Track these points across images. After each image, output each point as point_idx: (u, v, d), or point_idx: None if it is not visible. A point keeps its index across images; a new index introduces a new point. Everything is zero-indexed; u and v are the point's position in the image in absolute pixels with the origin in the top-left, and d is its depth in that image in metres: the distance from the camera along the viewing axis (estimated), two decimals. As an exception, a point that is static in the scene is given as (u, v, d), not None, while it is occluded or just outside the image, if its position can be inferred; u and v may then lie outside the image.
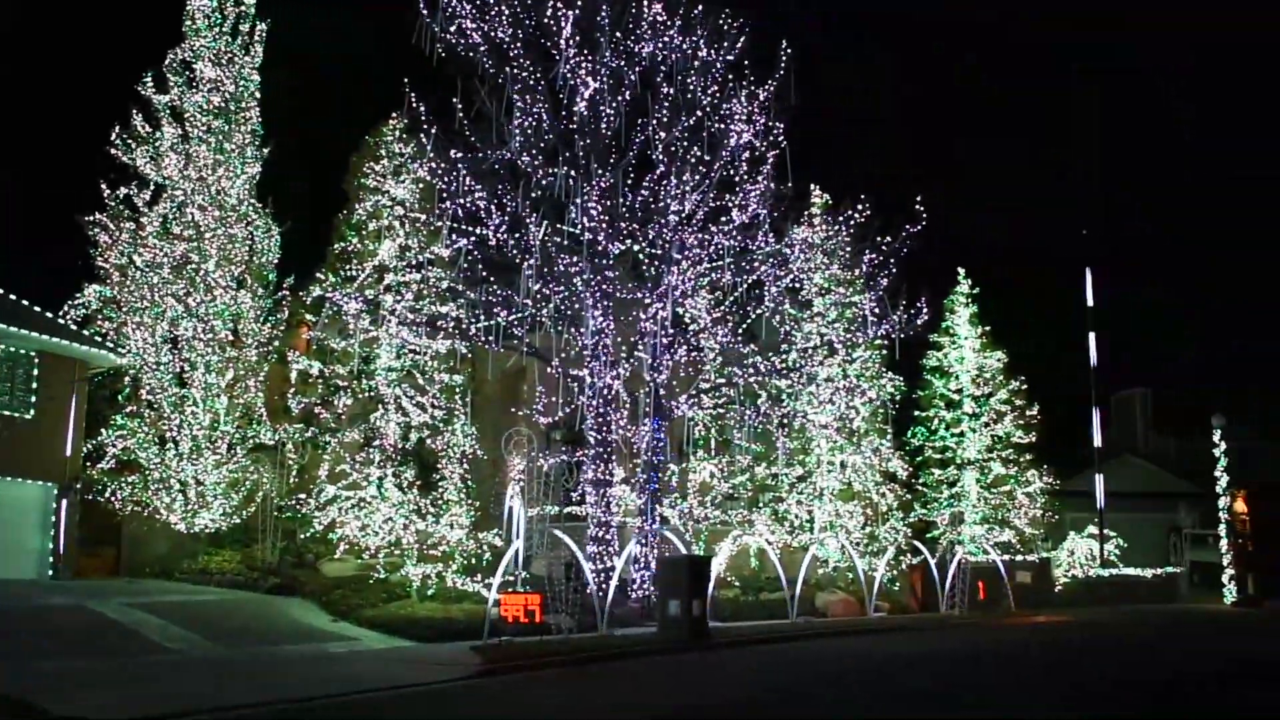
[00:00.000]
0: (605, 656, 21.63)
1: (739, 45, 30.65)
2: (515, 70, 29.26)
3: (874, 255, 32.08)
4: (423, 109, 28.25)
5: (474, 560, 29.16)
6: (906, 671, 19.99)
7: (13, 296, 30.44)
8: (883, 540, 37.86)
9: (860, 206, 32.49)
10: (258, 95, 34.10)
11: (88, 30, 66.85)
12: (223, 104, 33.21)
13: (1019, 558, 41.64)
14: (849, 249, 36.01)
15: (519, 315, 29.70)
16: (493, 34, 29.30)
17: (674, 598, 24.69)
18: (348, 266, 31.03)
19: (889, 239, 31.62)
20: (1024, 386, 44.59)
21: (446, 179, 28.91)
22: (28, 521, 29.76)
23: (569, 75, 29.50)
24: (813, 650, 24.23)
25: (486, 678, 18.55)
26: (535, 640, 21.85)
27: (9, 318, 29.30)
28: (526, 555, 28.30)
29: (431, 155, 28.72)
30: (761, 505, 36.58)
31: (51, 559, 30.11)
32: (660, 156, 30.25)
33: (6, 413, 29.28)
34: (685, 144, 30.28)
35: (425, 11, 28.60)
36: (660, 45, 30.18)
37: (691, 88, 30.41)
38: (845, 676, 19.12)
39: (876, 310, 32.86)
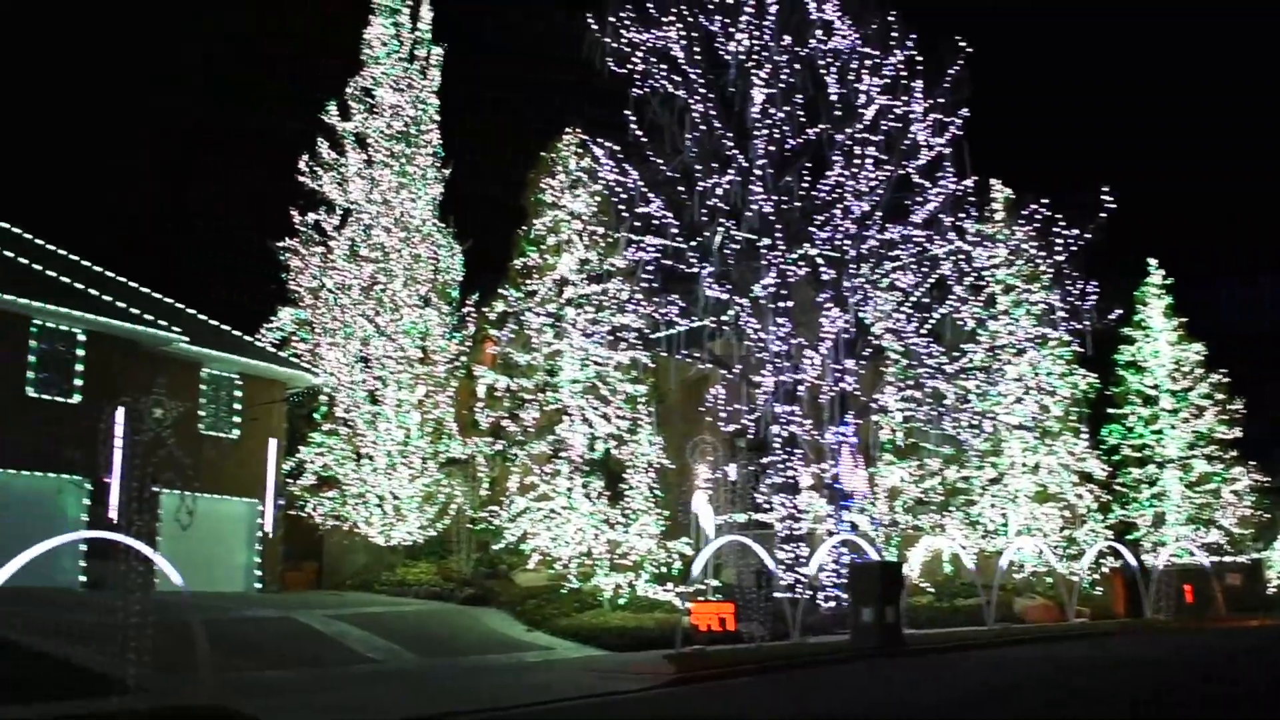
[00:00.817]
0: (798, 664, 21.43)
1: (911, 41, 30.14)
2: (686, 79, 29.31)
3: (1060, 249, 31.16)
4: (597, 122, 28.51)
5: (664, 569, 29.21)
6: (1110, 677, 19.27)
7: (214, 322, 31.81)
8: (1082, 543, 36.65)
9: (1044, 199, 31.60)
10: (436, 118, 34.90)
11: (274, 64, 69.48)
12: (403, 128, 34.11)
13: (1228, 559, 39.86)
14: (1034, 243, 35.03)
15: (699, 323, 29.71)
16: (663, 44, 29.40)
17: (866, 605, 24.31)
18: (529, 281, 31.48)
19: (1075, 231, 30.67)
20: (1226, 380, 42.69)
21: (623, 191, 29.10)
22: (235, 537, 30.98)
23: (739, 81, 29.42)
24: (1010, 657, 23.59)
25: (681, 686, 18.53)
26: (728, 649, 21.77)
27: (213, 343, 30.62)
28: (716, 563, 28.23)
29: (607, 168, 28.95)
30: (953, 509, 35.80)
31: (258, 572, 31.31)
32: (836, 157, 29.92)
33: (213, 434, 30.52)
34: (861, 144, 29.88)
35: (596, 26, 28.88)
36: (831, 46, 29.86)
37: (865, 87, 30.01)
38: (1044, 683, 18.52)
39: (1065, 305, 31.89)
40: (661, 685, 18.36)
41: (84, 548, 26.03)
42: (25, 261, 27.38)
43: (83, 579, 26.40)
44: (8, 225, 29.64)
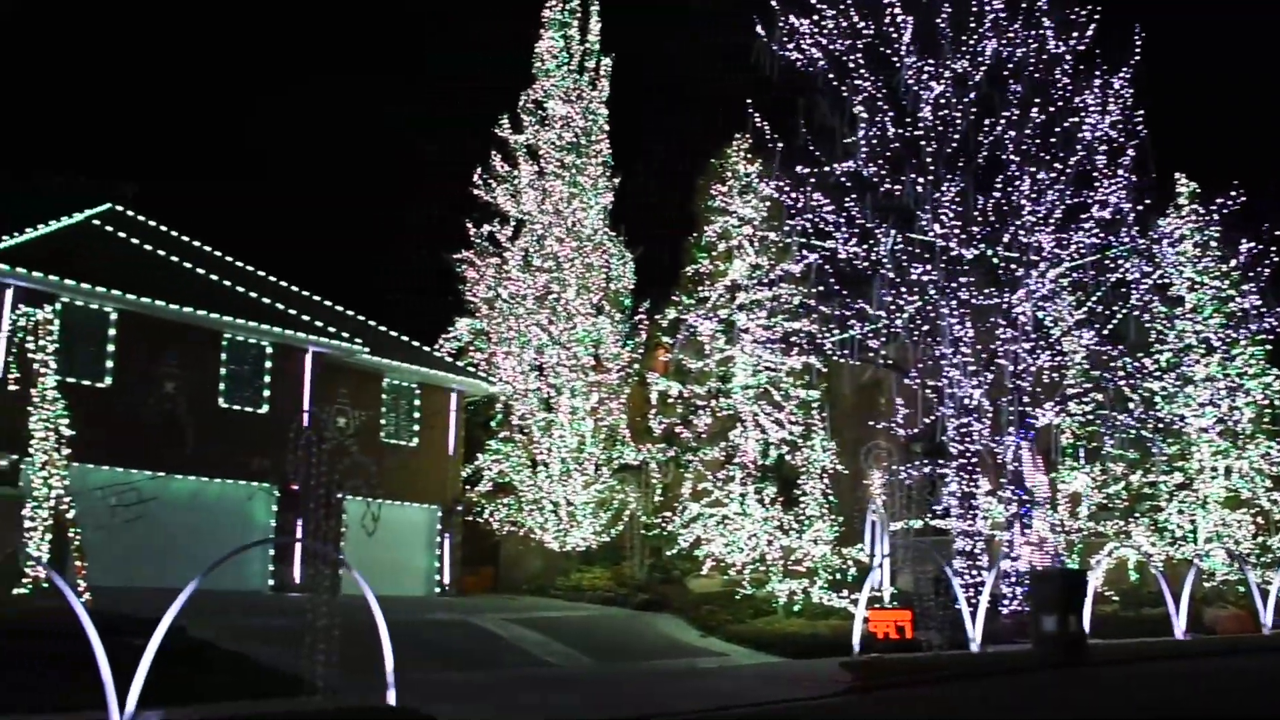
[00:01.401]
0: (978, 674, 20.89)
1: (1088, 34, 29.22)
2: (855, 81, 28.95)
3: (1252, 243, 29.80)
4: (765, 127, 28.37)
5: (838, 575, 28.90)
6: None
7: (394, 334, 32.71)
8: (1277, 551, 34.96)
9: (1233, 191, 30.25)
10: (606, 127, 35.24)
11: (443, 81, 71.05)
12: (574, 139, 34.53)
13: None
14: (1222, 238, 33.55)
15: (872, 327, 29.29)
16: (831, 47, 29.10)
17: (1048, 613, 23.57)
18: (700, 287, 31.54)
19: (1266, 225, 29.32)
20: None
21: (793, 195, 28.89)
22: (416, 542, 31.74)
23: (910, 81, 28.93)
24: (1199, 669, 22.61)
25: (858, 695, 18.24)
26: (905, 657, 21.37)
27: (393, 354, 31.50)
28: (891, 570, 27.80)
29: (777, 173, 28.77)
30: (1138, 515, 34.54)
31: (437, 576, 32.02)
32: (1011, 156, 29.16)
33: (394, 441, 31.34)
34: (1037, 141, 29.06)
35: (762, 32, 28.75)
36: (1004, 42, 29.13)
37: (1040, 82, 29.19)
38: (1238, 697, 17.70)
39: (1259, 302, 30.48)
40: (838, 693, 18.11)
41: (272, 552, 26.98)
42: (215, 278, 28.56)
43: (271, 583, 27.38)
44: (199, 243, 30.93)
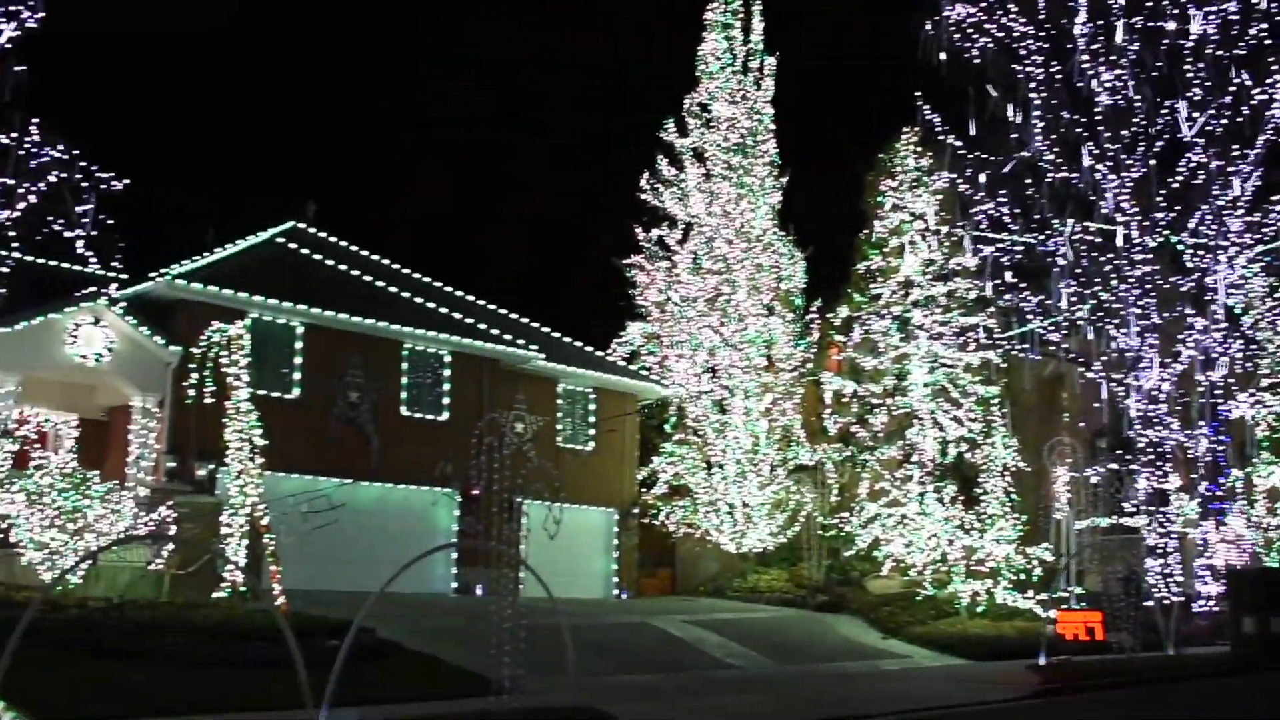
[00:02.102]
0: (1173, 677, 20.15)
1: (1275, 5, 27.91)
2: (1027, 69, 28.24)
3: None
4: (936, 120, 27.88)
5: (1023, 575, 28.17)
6: None
7: (568, 340, 33.14)
8: None
9: None
10: (772, 127, 35.08)
11: (615, 85, 71.76)
12: (740, 140, 34.47)
13: None
14: None
15: (1052, 320, 28.52)
16: (1001, 35, 28.44)
17: (1247, 614, 22.61)
18: (873, 285, 31.18)
19: None
20: None
21: (966, 188, 28.32)
22: (593, 545, 32.04)
23: (1085, 66, 28.09)
24: None
25: (1047, 698, 17.80)
26: (1096, 659, 20.73)
27: (568, 359, 31.92)
28: (1078, 570, 27.00)
29: (949, 165, 28.26)
30: (1343, 509, 32.87)
31: (614, 579, 32.29)
32: (1195, 139, 28.07)
33: (571, 446, 31.73)
34: (1222, 122, 27.91)
35: (931, 23, 28.26)
36: (1183, 21, 28.04)
37: (1224, 61, 28.01)
38: None
39: None
40: (1026, 696, 17.69)
41: (455, 556, 27.56)
42: (394, 290, 29.36)
43: (454, 585, 27.97)
44: (378, 257, 31.81)
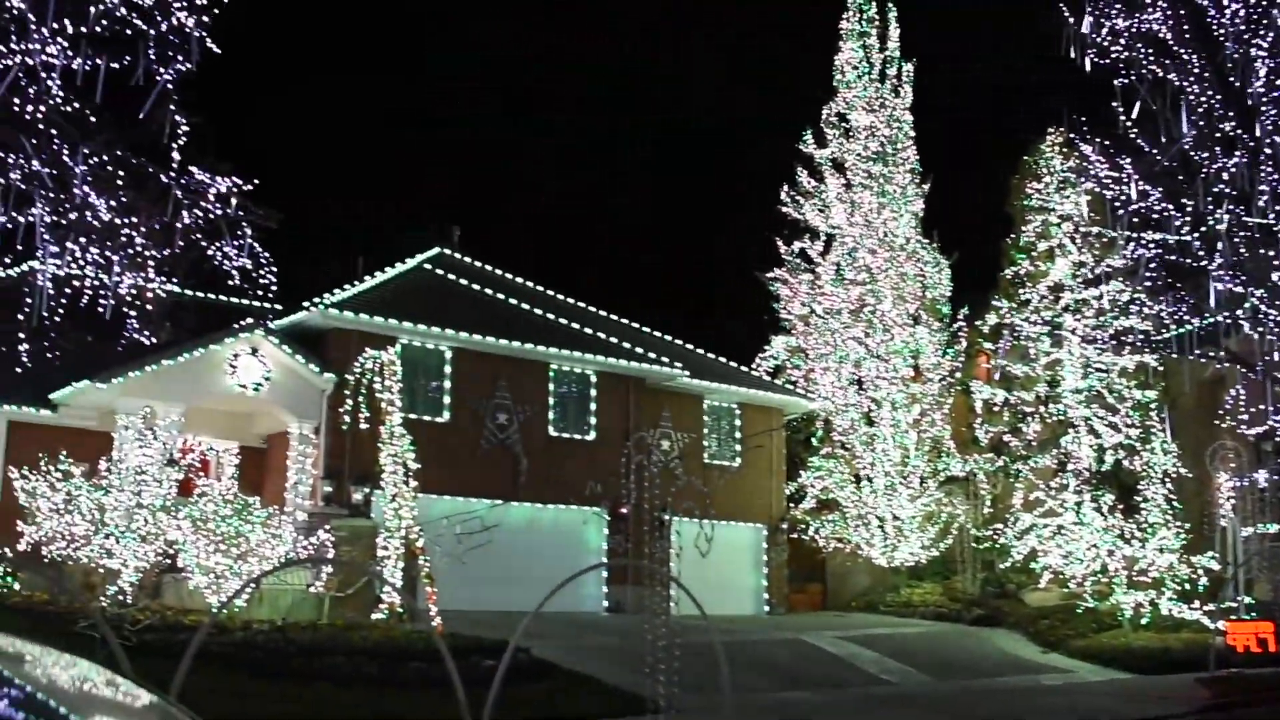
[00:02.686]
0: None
1: None
2: (1177, 60, 27.37)
3: None
4: (1080, 119, 27.19)
5: (1188, 586, 27.23)
6: None
7: (711, 356, 33.11)
8: None
9: None
10: (912, 134, 34.65)
11: (749, 99, 71.75)
12: (880, 148, 34.10)
13: None
14: None
15: (1211, 320, 27.55)
16: (1146, 27, 27.63)
17: None
18: (1021, 290, 30.55)
19: None
20: None
21: (1116, 187, 27.55)
22: (742, 561, 31.90)
23: (1239, 54, 27.12)
24: None
25: (1218, 712, 17.16)
26: (1269, 672, 19.91)
27: (712, 375, 31.90)
28: (1246, 578, 25.99)
29: (1097, 164, 27.52)
30: None
31: (765, 595, 32.10)
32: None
33: (717, 462, 31.67)
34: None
35: (1072, 19, 27.60)
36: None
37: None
38: None
39: None
40: (1196, 711, 17.11)
41: (605, 574, 27.70)
42: (539, 312, 29.70)
43: (605, 604, 28.09)
44: (521, 279, 32.24)
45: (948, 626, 28.15)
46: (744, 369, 33.60)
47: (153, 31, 15.74)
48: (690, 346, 33.27)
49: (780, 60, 74.51)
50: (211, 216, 16.51)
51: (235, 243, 16.68)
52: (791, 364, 34.61)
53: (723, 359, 33.41)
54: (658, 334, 33.05)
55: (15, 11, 15.01)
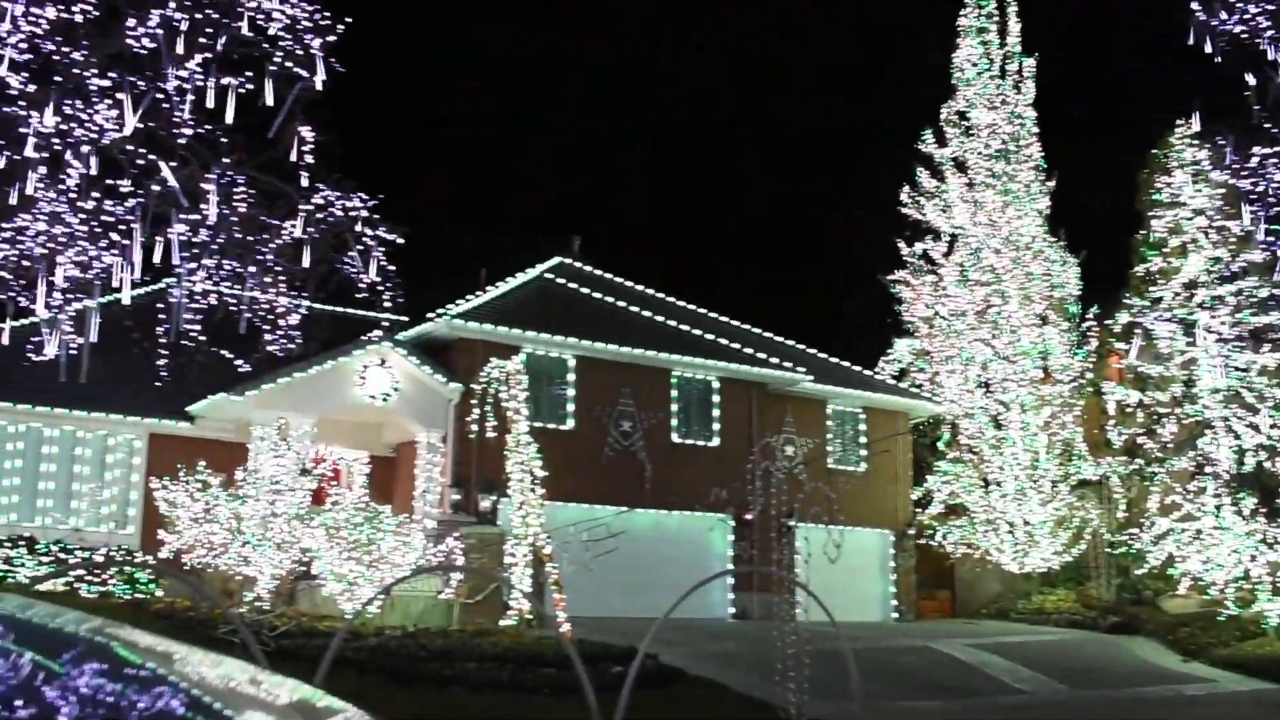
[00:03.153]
0: None
1: None
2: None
3: None
4: (1212, 110, 26.43)
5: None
6: None
7: (834, 360, 32.86)
8: None
9: None
10: (1035, 130, 33.98)
11: (866, 98, 71.13)
12: (1002, 146, 33.51)
13: None
14: None
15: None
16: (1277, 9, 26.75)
17: None
18: (1153, 288, 29.77)
19: None
20: None
21: (1250, 179, 26.73)
22: (869, 567, 31.57)
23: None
24: None
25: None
26: None
27: (835, 380, 31.64)
28: None
29: (1231, 156, 26.72)
30: None
31: (893, 602, 31.72)
32: None
33: (842, 467, 31.40)
34: None
35: (1200, 7, 26.84)
36: None
37: None
38: None
39: None
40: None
41: (730, 580, 27.63)
42: (660, 319, 29.77)
43: (731, 610, 28.01)
44: (641, 286, 32.33)
45: (1082, 634, 27.51)
46: (867, 373, 33.27)
47: (279, 54, 16.15)
48: (813, 350, 33.04)
49: (891, 59, 73.77)
50: (339, 231, 16.88)
51: (362, 257, 17.01)
52: (916, 367, 34.18)
53: (845, 363, 33.14)
54: (779, 338, 32.89)
55: (151, 41, 15.51)
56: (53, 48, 15.66)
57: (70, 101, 15.39)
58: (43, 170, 15.52)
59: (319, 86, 15.97)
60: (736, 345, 29.86)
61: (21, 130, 15.19)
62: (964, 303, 32.62)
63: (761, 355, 29.82)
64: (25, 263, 16.51)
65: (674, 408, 28.69)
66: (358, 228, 16.82)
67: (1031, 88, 34.21)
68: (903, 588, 32.02)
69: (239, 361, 20.05)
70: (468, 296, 27.24)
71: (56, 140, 15.52)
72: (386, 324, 23.18)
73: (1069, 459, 31.84)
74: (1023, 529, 31.27)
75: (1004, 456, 31.58)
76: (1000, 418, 31.95)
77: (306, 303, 18.22)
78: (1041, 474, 31.49)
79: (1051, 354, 32.19)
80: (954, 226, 33.46)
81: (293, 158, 16.37)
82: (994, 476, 31.72)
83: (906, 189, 33.97)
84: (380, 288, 17.18)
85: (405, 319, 24.56)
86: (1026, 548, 31.23)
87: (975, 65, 34.31)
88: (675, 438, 28.56)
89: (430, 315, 25.92)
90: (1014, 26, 34.63)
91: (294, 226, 16.67)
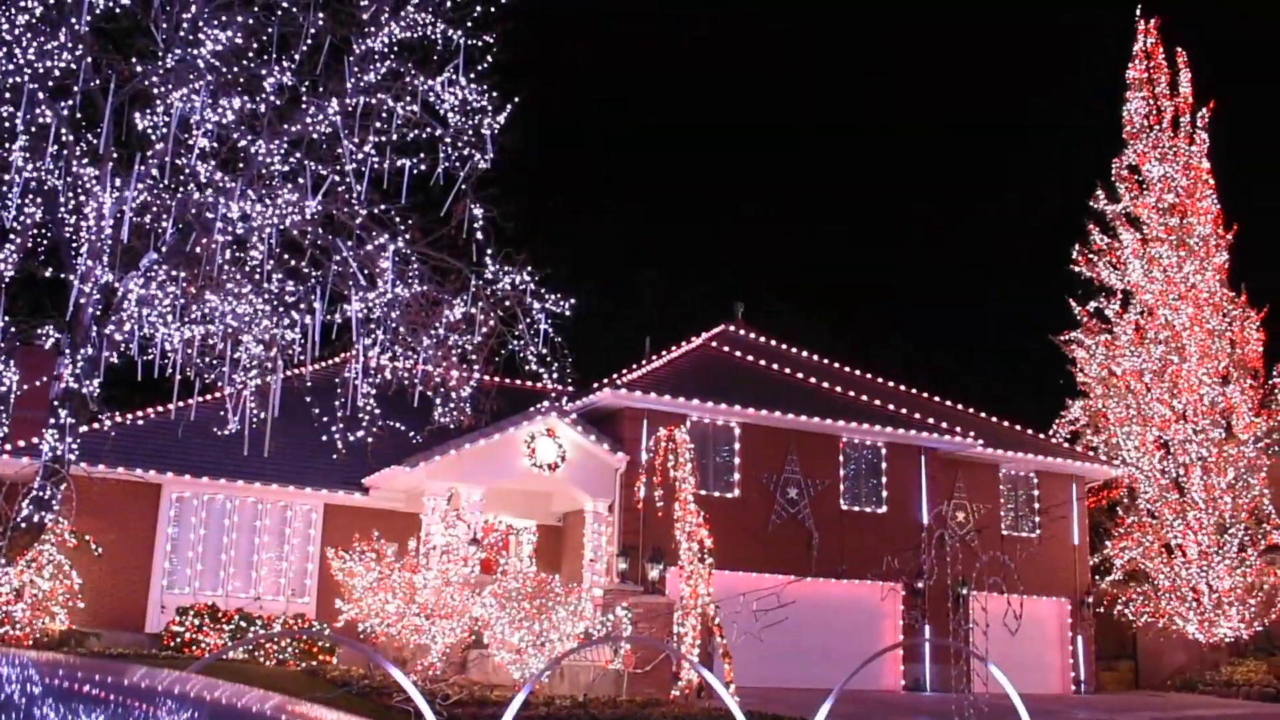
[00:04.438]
0: None
1: None
2: None
3: None
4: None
5: None
6: None
7: (1004, 423, 32.10)
8: None
9: None
10: (1211, 182, 32.91)
11: (1024, 154, 69.88)
12: (1176, 199, 32.55)
13: None
14: None
15: None
16: None
17: None
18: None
19: None
20: None
21: None
22: (1045, 637, 30.55)
23: None
24: None
25: None
26: None
27: (1006, 443, 30.86)
28: None
29: None
30: None
31: (1072, 673, 30.61)
32: None
33: (1015, 533, 30.56)
34: None
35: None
36: None
37: None
38: None
39: None
40: None
41: (901, 651, 27.03)
42: (826, 385, 29.51)
43: (902, 682, 27.38)
44: (803, 352, 32.14)
45: (1276, 709, 26.13)
46: (1040, 435, 32.41)
47: (450, 135, 16.65)
48: (982, 414, 32.35)
49: (1048, 107, 72.40)
50: (508, 305, 17.23)
51: (530, 330, 17.31)
52: (1092, 429, 33.18)
53: (1017, 425, 32.35)
54: (948, 402, 32.29)
55: (329, 127, 16.13)
56: (237, 136, 16.41)
57: (254, 188, 16.08)
58: (230, 253, 16.22)
59: (488, 164, 16.42)
60: (904, 410, 29.39)
61: (209, 216, 15.91)
62: (1140, 361, 31.60)
63: (930, 420, 29.28)
64: (211, 341, 17.23)
65: (841, 474, 28.32)
66: (527, 300, 17.14)
67: (1206, 138, 33.20)
68: (1083, 658, 30.88)
69: (411, 433, 20.57)
70: (632, 366, 27.45)
71: (242, 224, 16.21)
72: (553, 395, 23.51)
73: (1258, 522, 30.47)
74: (1209, 596, 29.95)
75: (1187, 520, 30.36)
76: (1181, 480, 30.77)
77: (476, 375, 18.59)
78: (1228, 538, 30.17)
79: (1235, 413, 30.95)
80: (1127, 283, 32.54)
81: (463, 235, 16.81)
82: (1176, 541, 30.51)
83: (1077, 246, 33.23)
84: (548, 359, 17.45)
85: (571, 389, 24.88)
86: (1214, 616, 29.89)
87: (1145, 119, 33.48)
88: (843, 504, 28.17)
89: (596, 386, 26.19)
90: (1185, 77, 33.72)
91: (465, 301, 17.08)
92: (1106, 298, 32.78)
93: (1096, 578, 31.62)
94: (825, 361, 32.04)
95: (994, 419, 32.17)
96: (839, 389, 29.49)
